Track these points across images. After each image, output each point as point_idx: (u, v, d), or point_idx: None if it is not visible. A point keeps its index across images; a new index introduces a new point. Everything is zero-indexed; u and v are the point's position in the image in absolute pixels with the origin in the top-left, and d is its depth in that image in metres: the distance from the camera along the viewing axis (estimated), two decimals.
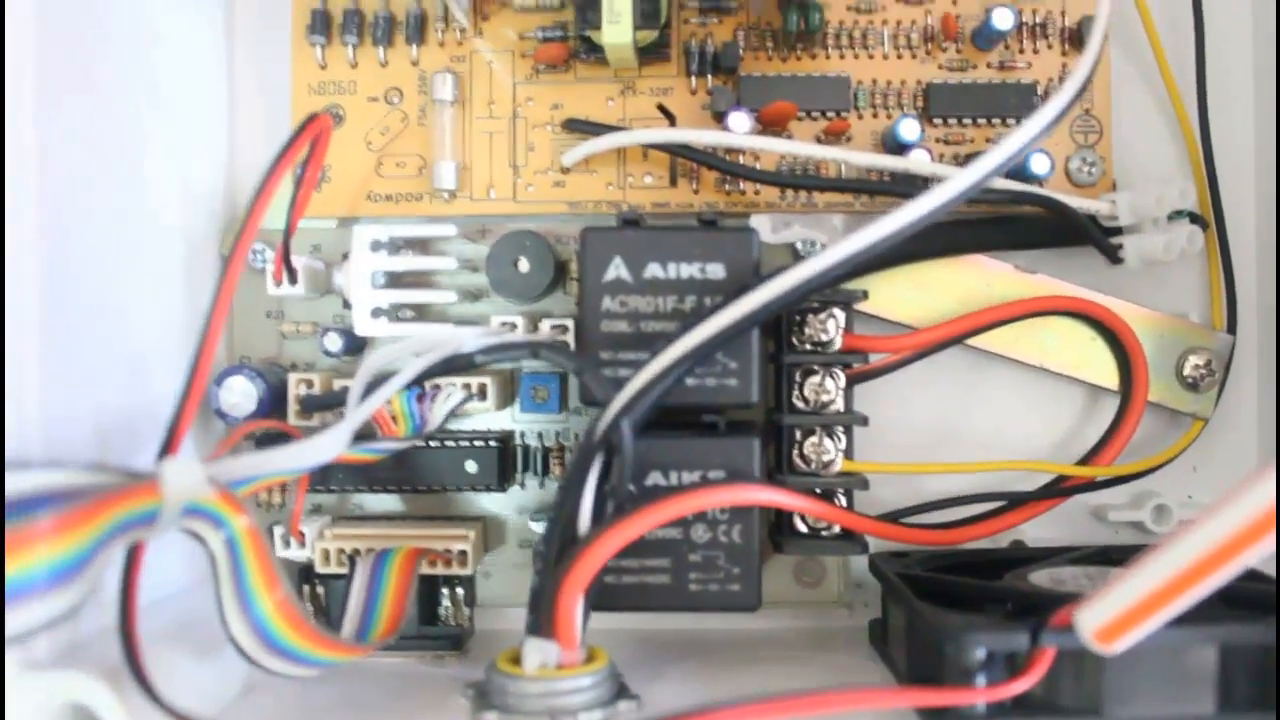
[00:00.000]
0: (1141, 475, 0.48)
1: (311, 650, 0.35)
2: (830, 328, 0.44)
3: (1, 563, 0.27)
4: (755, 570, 0.42)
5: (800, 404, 0.44)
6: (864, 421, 0.45)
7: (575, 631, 0.36)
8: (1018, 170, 0.47)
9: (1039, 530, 0.48)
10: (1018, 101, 0.48)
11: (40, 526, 0.28)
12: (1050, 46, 0.49)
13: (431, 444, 0.45)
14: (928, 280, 0.48)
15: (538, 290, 0.47)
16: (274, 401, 0.45)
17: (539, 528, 0.48)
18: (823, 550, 0.46)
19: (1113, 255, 0.47)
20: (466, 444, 0.45)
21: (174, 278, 0.45)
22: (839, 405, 0.44)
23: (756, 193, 0.48)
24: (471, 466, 0.45)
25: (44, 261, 0.34)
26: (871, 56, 0.49)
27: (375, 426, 0.42)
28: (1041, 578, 0.41)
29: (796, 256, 0.48)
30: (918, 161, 0.46)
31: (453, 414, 0.44)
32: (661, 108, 0.48)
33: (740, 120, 0.46)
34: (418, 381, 0.40)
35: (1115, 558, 0.43)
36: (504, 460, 0.46)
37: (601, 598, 0.38)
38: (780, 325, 0.45)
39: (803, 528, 0.45)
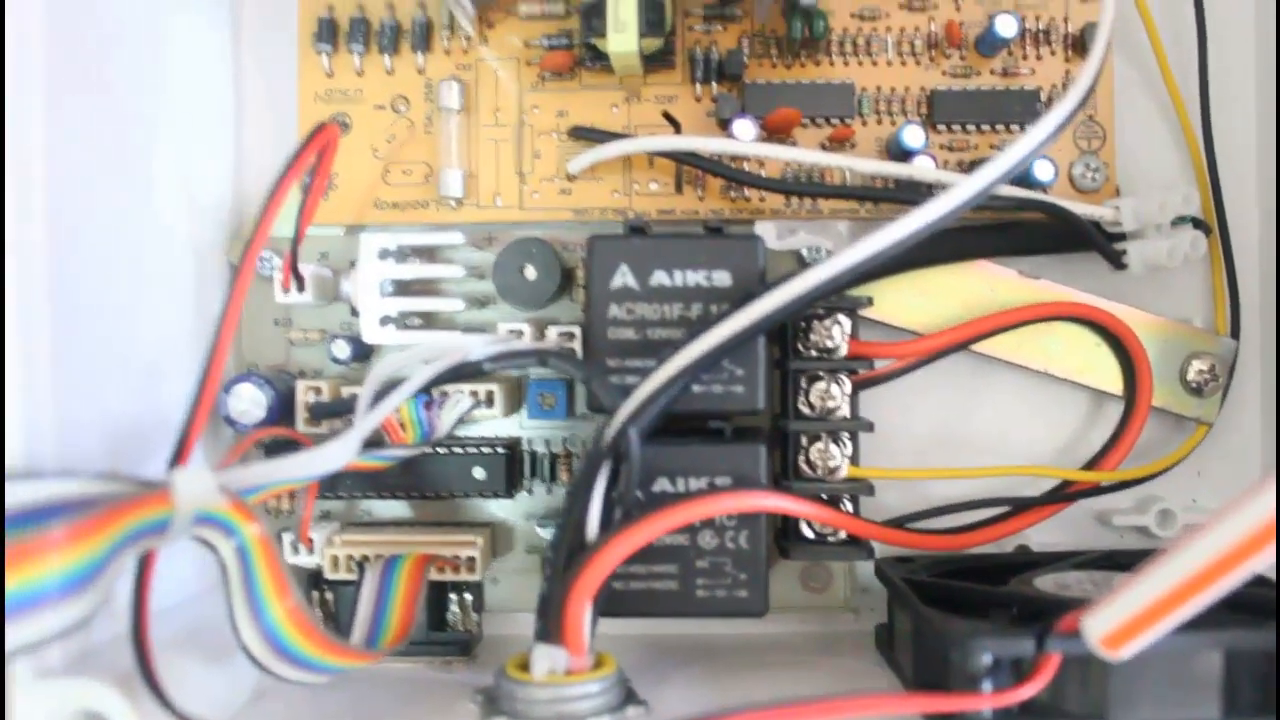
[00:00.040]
0: (1146, 480, 0.48)
1: (322, 657, 0.35)
2: (836, 334, 0.44)
3: (1, 573, 0.27)
4: (762, 576, 0.42)
5: (806, 410, 0.45)
6: (869, 427, 0.45)
7: (583, 638, 0.36)
8: (1022, 176, 0.47)
9: (1044, 535, 0.48)
10: (1021, 108, 0.48)
11: (53, 536, 0.28)
12: (1053, 53, 0.49)
13: (439, 450, 0.45)
14: (932, 286, 0.48)
15: (544, 297, 0.47)
16: (282, 408, 0.45)
17: (546, 533, 0.48)
18: (829, 556, 0.46)
19: (1116, 261, 0.47)
20: (474, 450, 0.46)
21: (181, 285, 0.45)
22: (844, 411, 0.45)
23: (761, 199, 0.48)
24: (479, 473, 0.45)
25: (54, 269, 0.34)
26: (875, 63, 0.49)
27: (384, 434, 0.42)
28: (1047, 583, 0.41)
29: (801, 263, 0.48)
30: (922, 168, 0.46)
31: (460, 421, 0.44)
32: (667, 115, 0.48)
33: (745, 128, 0.46)
34: (426, 389, 0.40)
35: (1120, 562, 0.43)
36: (511, 467, 0.46)
37: (609, 604, 0.38)
38: (786, 332, 0.45)
39: (809, 533, 0.45)
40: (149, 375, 0.41)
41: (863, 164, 0.46)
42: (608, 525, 0.38)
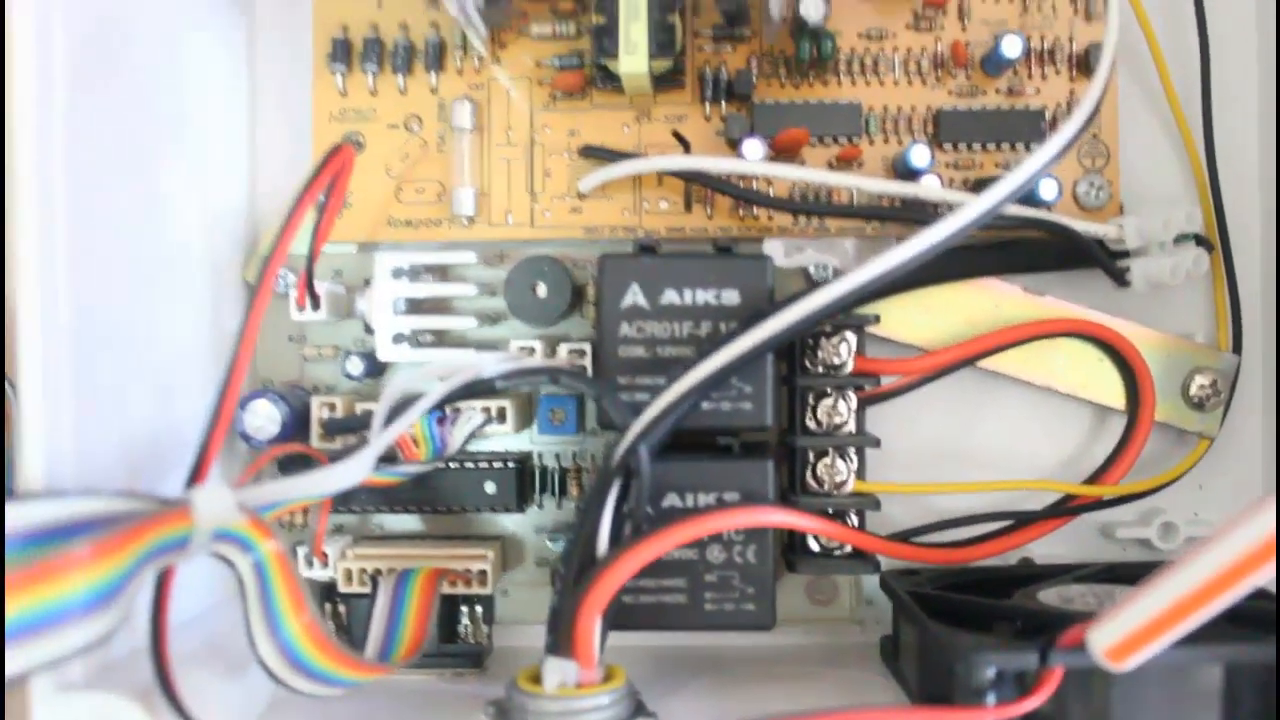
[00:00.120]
0: (1148, 494, 0.48)
1: (337, 671, 0.36)
2: (843, 351, 0.45)
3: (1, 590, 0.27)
4: (770, 590, 0.42)
5: (813, 426, 0.45)
6: (876, 443, 0.45)
7: (594, 651, 0.36)
8: (1027, 195, 0.47)
9: (1047, 547, 0.48)
10: (1026, 127, 0.49)
11: (77, 554, 0.28)
12: (1058, 73, 0.49)
13: (451, 465, 0.45)
14: (938, 303, 0.48)
15: (555, 315, 0.47)
16: (296, 424, 0.46)
17: (556, 547, 0.49)
18: (835, 570, 0.46)
19: (1119, 278, 0.47)
20: (485, 465, 0.46)
21: (197, 303, 0.45)
22: (851, 427, 0.45)
23: (770, 218, 0.49)
24: (490, 487, 0.46)
25: (75, 289, 0.35)
26: (882, 83, 0.49)
27: (397, 450, 0.42)
28: (1050, 596, 0.42)
29: (809, 280, 0.48)
30: (928, 187, 0.47)
31: (472, 436, 0.45)
32: (676, 134, 0.48)
33: (754, 148, 0.47)
34: (439, 406, 0.40)
35: (1122, 575, 0.43)
36: (522, 481, 0.47)
37: (619, 617, 0.39)
38: (793, 349, 0.45)
39: (815, 547, 0.46)
40: (164, 392, 0.42)
41: (870, 183, 0.47)
42: (618, 540, 0.38)
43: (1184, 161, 0.50)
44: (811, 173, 0.47)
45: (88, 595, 0.28)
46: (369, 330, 0.47)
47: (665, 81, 0.48)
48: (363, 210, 0.49)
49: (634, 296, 0.43)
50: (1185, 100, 0.49)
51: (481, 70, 0.49)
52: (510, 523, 0.49)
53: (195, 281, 0.45)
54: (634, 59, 0.44)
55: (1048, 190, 0.48)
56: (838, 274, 0.46)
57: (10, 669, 0.28)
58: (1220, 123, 0.49)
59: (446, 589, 0.45)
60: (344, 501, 0.45)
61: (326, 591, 0.46)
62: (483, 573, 0.45)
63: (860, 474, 0.45)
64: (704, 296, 0.43)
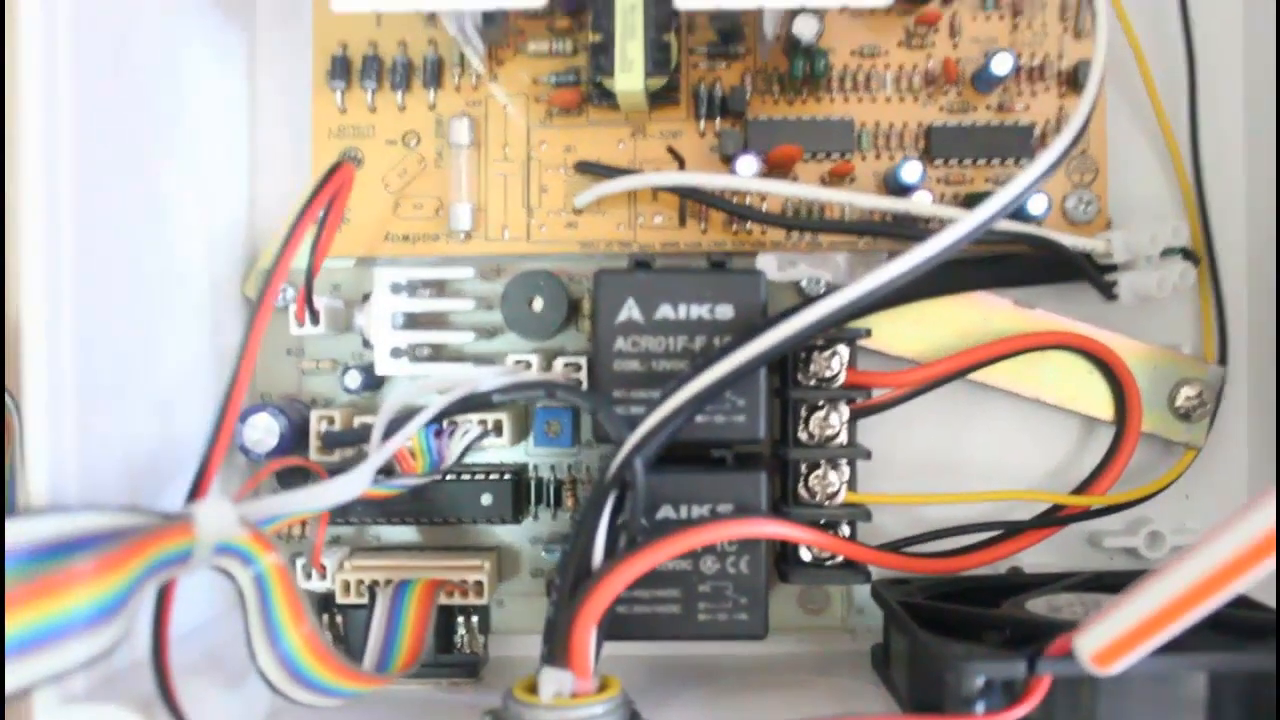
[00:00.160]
0: (1135, 503, 0.49)
1: (336, 681, 0.36)
2: (834, 364, 0.45)
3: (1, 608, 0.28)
4: (763, 600, 0.43)
5: (805, 438, 0.46)
6: (867, 455, 0.46)
7: (589, 661, 0.37)
8: (1016, 210, 0.48)
9: (1036, 556, 0.49)
10: (1016, 143, 0.49)
11: (81, 568, 0.29)
12: (1047, 89, 0.50)
13: (448, 477, 0.46)
14: (929, 316, 0.49)
15: (552, 328, 0.48)
16: (295, 437, 0.46)
17: (552, 558, 0.49)
18: (827, 580, 0.47)
19: (1107, 292, 0.48)
20: (482, 477, 0.46)
21: (198, 316, 0.46)
22: (843, 439, 0.46)
23: (763, 232, 0.49)
24: (486, 499, 0.46)
25: (76, 303, 0.35)
26: (875, 100, 0.50)
27: (395, 463, 0.43)
28: (1039, 605, 0.42)
29: (801, 293, 0.49)
30: (920, 203, 0.47)
31: (469, 449, 0.45)
32: (671, 150, 0.49)
33: (748, 164, 0.47)
34: (437, 419, 0.41)
35: (1110, 583, 0.44)
36: (518, 493, 0.47)
37: (614, 627, 0.39)
38: (786, 362, 0.46)
39: (807, 557, 0.46)
40: (165, 406, 0.42)
41: (861, 199, 0.47)
42: (613, 552, 0.38)
43: (1171, 177, 0.51)
44: (804, 188, 0.48)
45: (91, 609, 0.29)
46: (367, 344, 0.48)
47: (660, 98, 0.48)
48: (361, 225, 0.49)
49: (629, 311, 0.43)
50: (1172, 116, 0.50)
51: (479, 87, 0.50)
52: (506, 534, 0.50)
53: (196, 296, 0.46)
54: (630, 76, 0.44)
55: (1037, 205, 0.48)
56: (830, 288, 0.46)
57: (15, 683, 0.28)
58: (1206, 139, 0.50)
59: (443, 599, 0.45)
60: (342, 513, 0.45)
61: (324, 602, 0.47)
62: (479, 583, 0.45)
63: (852, 485, 0.46)
64: (698, 311, 0.43)
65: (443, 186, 0.49)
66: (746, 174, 0.47)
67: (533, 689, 0.37)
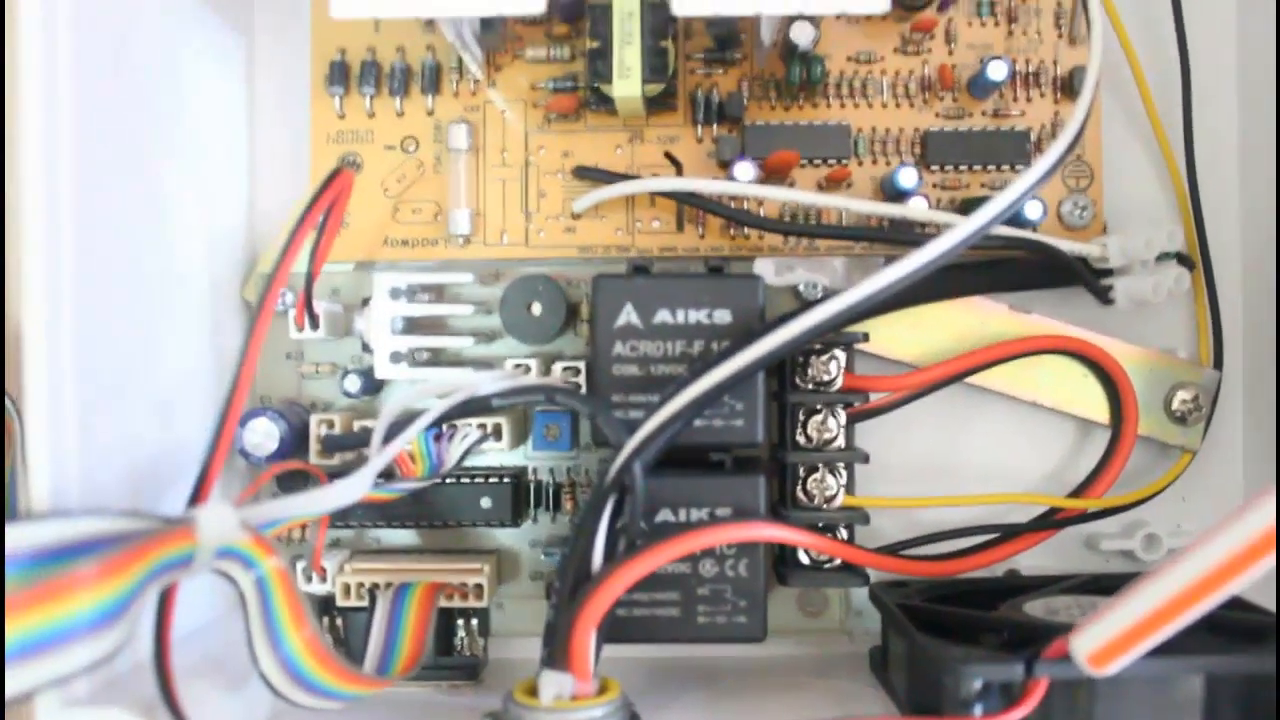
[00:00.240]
0: (1132, 506, 0.49)
1: (337, 685, 0.36)
2: (832, 368, 0.45)
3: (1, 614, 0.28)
4: (761, 603, 0.43)
5: (803, 441, 0.46)
6: (865, 459, 0.46)
7: (589, 664, 0.37)
8: (1013, 215, 0.48)
9: (1033, 559, 0.49)
10: (1012, 148, 0.49)
11: (84, 573, 0.29)
12: (1043, 95, 0.50)
13: (448, 481, 0.46)
14: (926, 320, 0.49)
15: (550, 333, 0.48)
16: (295, 441, 0.46)
17: (551, 561, 0.49)
18: (825, 582, 0.47)
19: (1103, 296, 0.48)
20: (481, 481, 0.47)
21: (198, 321, 0.46)
22: (840, 442, 0.46)
23: (761, 237, 0.49)
24: (486, 502, 0.46)
25: (77, 308, 0.35)
26: (871, 105, 0.50)
27: (395, 466, 0.43)
28: (1036, 608, 0.42)
29: (798, 298, 0.49)
30: (916, 209, 0.48)
31: (468, 452, 0.45)
32: (669, 156, 0.49)
33: (745, 169, 0.47)
34: (436, 423, 0.41)
35: (1106, 585, 0.44)
36: (517, 496, 0.48)
37: (613, 630, 0.39)
38: (784, 365, 0.46)
39: (805, 560, 0.46)
40: (166, 410, 0.42)
41: (858, 205, 0.47)
42: (612, 555, 0.39)
43: (1166, 182, 0.51)
44: (801, 194, 0.48)
45: (94, 613, 0.29)
46: (367, 349, 0.48)
47: (658, 104, 0.49)
48: (360, 230, 0.49)
49: (628, 316, 0.43)
50: (1167, 122, 0.50)
51: (477, 93, 0.50)
52: (506, 537, 0.50)
53: (196, 301, 0.46)
54: (627, 82, 0.45)
55: (1033, 210, 0.48)
56: (828, 292, 0.46)
57: (17, 687, 0.28)
58: (1201, 144, 0.50)
59: (443, 602, 0.45)
60: (342, 517, 0.45)
61: (325, 605, 0.47)
62: (479, 586, 0.45)
63: (850, 489, 0.46)
64: (696, 316, 0.43)
65: (441, 191, 0.49)
66: (744, 179, 0.47)
67: (533, 691, 0.37)
